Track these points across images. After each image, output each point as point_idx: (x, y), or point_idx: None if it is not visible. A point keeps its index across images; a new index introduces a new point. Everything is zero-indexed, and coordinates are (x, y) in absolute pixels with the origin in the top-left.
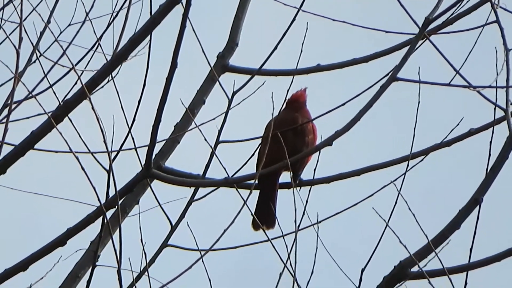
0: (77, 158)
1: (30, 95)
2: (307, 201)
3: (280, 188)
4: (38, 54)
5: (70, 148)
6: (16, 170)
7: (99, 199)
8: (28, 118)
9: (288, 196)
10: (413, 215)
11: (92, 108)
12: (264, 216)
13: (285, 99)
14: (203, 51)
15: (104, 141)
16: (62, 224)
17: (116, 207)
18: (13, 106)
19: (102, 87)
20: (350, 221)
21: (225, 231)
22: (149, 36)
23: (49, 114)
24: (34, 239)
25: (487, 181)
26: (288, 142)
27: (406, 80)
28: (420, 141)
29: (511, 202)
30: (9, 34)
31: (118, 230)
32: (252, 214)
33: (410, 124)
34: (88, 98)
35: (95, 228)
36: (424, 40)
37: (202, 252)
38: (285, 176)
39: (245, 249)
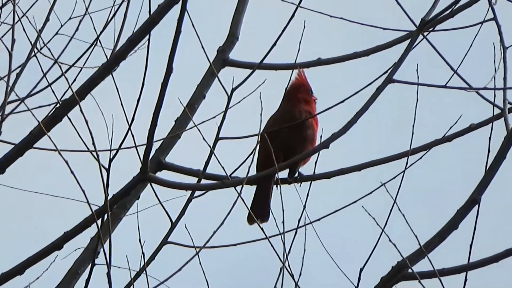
0: (63, 158)
1: (26, 98)
2: (307, 198)
3: (281, 184)
4: (36, 51)
5: (56, 147)
6: (16, 169)
7: (89, 205)
8: (28, 110)
9: (288, 192)
10: (404, 218)
11: (81, 111)
12: (258, 210)
13: (285, 91)
14: (202, 46)
15: (93, 143)
16: (63, 223)
17: (112, 209)
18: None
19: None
20: (349, 219)
21: (218, 228)
22: (147, 35)
23: (40, 120)
24: (34, 238)
25: (485, 181)
26: (283, 138)
27: (402, 82)
28: (418, 140)
29: (510, 202)
30: (2, 36)
31: (111, 233)
32: (248, 210)
33: (409, 123)
34: (78, 105)
35: (92, 230)
36: (421, 39)
37: (198, 250)
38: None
39: (244, 246)
